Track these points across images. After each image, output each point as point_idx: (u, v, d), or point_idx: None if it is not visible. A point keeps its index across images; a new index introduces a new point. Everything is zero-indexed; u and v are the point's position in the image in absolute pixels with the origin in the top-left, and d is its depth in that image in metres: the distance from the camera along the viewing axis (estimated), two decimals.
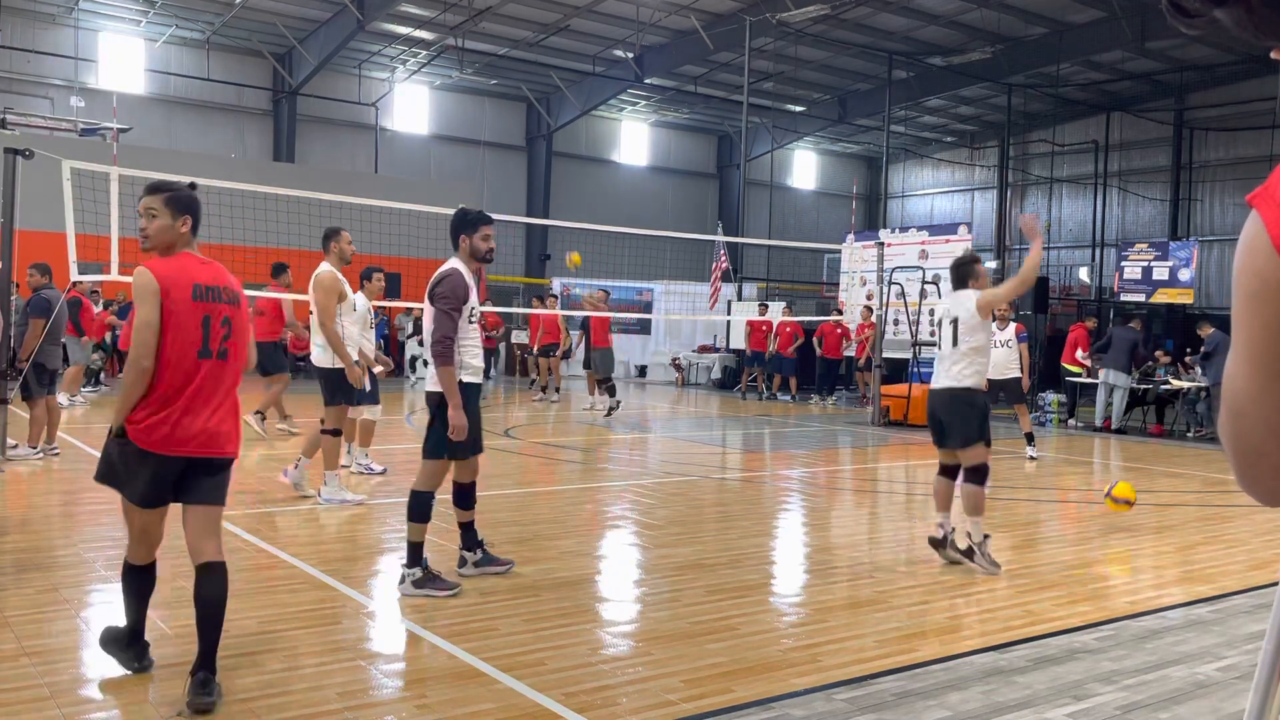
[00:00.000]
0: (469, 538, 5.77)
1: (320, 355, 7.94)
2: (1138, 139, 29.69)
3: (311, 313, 7.98)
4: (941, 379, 6.47)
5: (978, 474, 6.30)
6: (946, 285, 18.25)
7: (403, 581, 5.31)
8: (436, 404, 5.40)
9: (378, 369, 9.01)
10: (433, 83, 29.37)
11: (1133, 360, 15.23)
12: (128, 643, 4.04)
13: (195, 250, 4.00)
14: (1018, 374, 12.20)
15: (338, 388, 7.83)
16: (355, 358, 7.99)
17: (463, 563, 5.74)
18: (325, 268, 7.86)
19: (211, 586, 3.80)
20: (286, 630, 4.65)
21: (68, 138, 21.45)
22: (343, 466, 9.62)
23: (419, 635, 4.70)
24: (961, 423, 6.33)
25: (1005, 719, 3.86)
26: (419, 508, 5.38)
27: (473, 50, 25.54)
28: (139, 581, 4.01)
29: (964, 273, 6.64)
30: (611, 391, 15.47)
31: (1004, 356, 12.09)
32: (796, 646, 4.71)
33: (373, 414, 9.12)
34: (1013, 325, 12.24)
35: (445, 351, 5.29)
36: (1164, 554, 7.12)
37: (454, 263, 5.50)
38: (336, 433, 7.96)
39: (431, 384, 5.42)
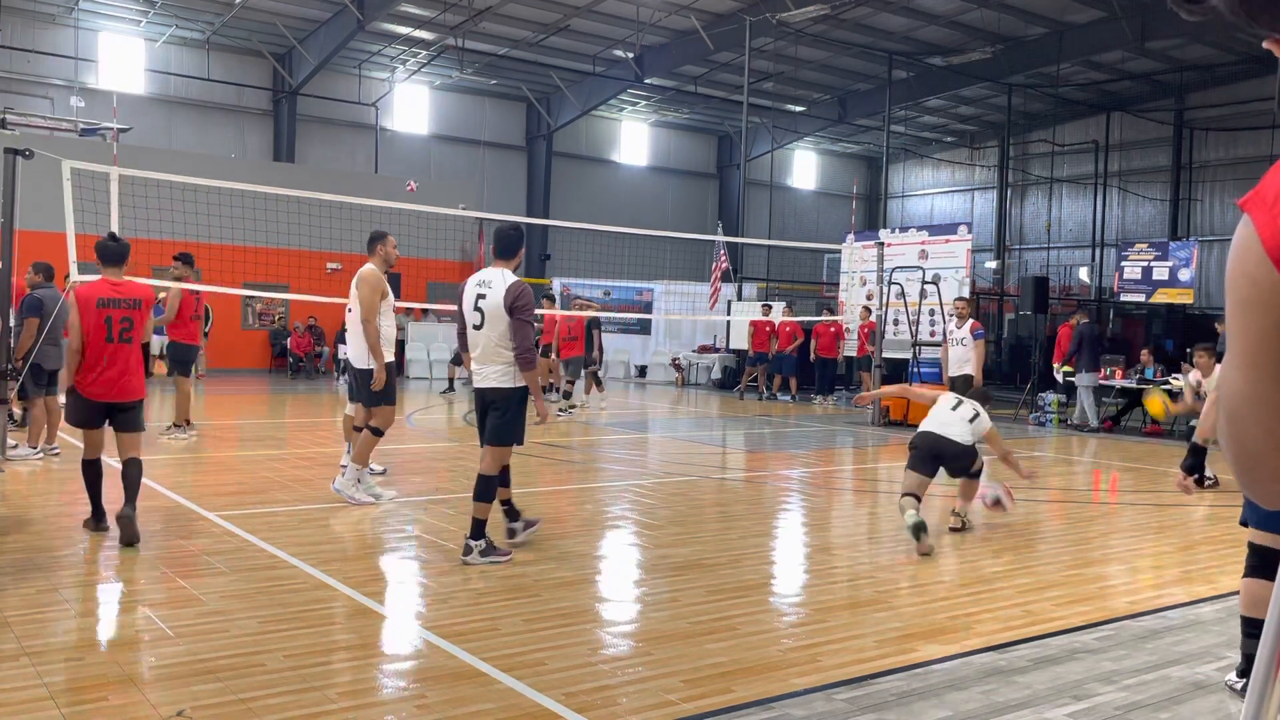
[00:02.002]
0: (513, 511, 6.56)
1: (359, 355, 7.89)
2: (1138, 139, 29.69)
3: (350, 310, 7.99)
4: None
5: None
6: (947, 284, 18.23)
7: (469, 553, 5.98)
8: (509, 399, 6.09)
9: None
10: (433, 83, 29.37)
11: (1097, 356, 15.64)
12: (96, 521, 6.48)
13: (115, 274, 6.52)
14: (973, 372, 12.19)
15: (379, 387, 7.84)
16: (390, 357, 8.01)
17: (512, 534, 6.47)
18: (370, 266, 7.93)
19: (131, 469, 6.38)
20: (286, 630, 4.65)
21: (68, 138, 21.44)
22: (342, 466, 9.57)
23: (419, 635, 4.70)
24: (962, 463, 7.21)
25: (1005, 719, 3.87)
26: (490, 489, 6.10)
27: (473, 50, 25.53)
28: (92, 471, 6.52)
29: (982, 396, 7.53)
30: (567, 394, 16.18)
31: (960, 354, 12.14)
32: (796, 646, 4.71)
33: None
34: (969, 323, 12.23)
35: (533, 358, 6.13)
36: (1164, 554, 7.12)
37: (508, 272, 6.18)
38: (379, 432, 7.93)
39: (493, 380, 6.09)
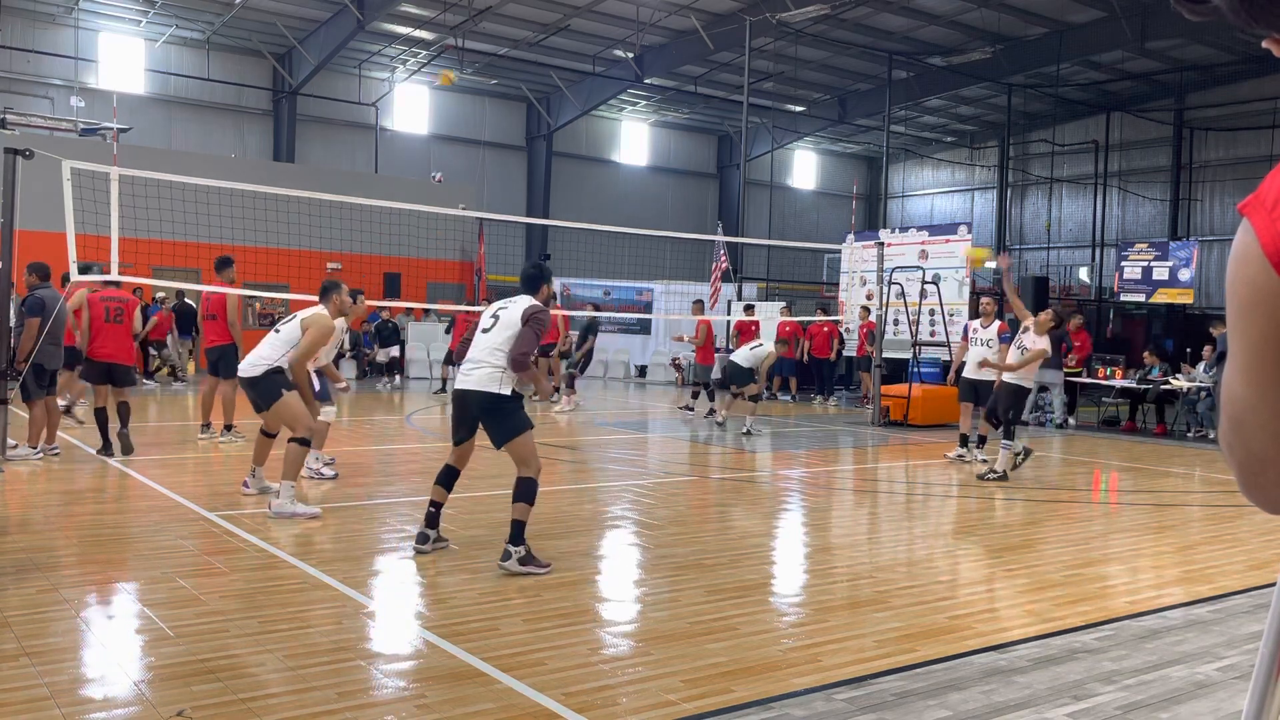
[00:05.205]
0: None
1: (255, 366, 7.57)
2: (1138, 139, 29.69)
3: (277, 331, 7.67)
4: None
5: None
6: (949, 285, 18.23)
7: (507, 558, 5.79)
8: (495, 406, 5.90)
9: (342, 385, 9.42)
10: (433, 83, 29.36)
11: (1061, 354, 15.65)
12: (105, 448, 9.69)
13: (114, 287, 10.09)
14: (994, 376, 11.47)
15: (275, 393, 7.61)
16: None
17: (423, 539, 6.27)
18: (322, 310, 7.73)
19: (123, 408, 9.77)
20: (286, 630, 4.65)
21: (68, 138, 21.44)
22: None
23: (419, 635, 4.70)
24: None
25: (1005, 719, 3.86)
26: (529, 491, 5.90)
27: (473, 50, 25.53)
28: (101, 415, 9.76)
29: None
30: (710, 396, 16.28)
31: (981, 355, 11.39)
32: (796, 646, 4.71)
33: (326, 415, 8.81)
34: (996, 324, 11.49)
35: (527, 364, 5.91)
36: (1164, 554, 7.12)
37: (535, 299, 6.15)
38: (306, 442, 7.72)
39: (476, 383, 5.88)
